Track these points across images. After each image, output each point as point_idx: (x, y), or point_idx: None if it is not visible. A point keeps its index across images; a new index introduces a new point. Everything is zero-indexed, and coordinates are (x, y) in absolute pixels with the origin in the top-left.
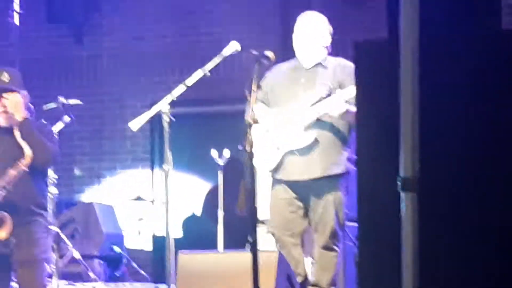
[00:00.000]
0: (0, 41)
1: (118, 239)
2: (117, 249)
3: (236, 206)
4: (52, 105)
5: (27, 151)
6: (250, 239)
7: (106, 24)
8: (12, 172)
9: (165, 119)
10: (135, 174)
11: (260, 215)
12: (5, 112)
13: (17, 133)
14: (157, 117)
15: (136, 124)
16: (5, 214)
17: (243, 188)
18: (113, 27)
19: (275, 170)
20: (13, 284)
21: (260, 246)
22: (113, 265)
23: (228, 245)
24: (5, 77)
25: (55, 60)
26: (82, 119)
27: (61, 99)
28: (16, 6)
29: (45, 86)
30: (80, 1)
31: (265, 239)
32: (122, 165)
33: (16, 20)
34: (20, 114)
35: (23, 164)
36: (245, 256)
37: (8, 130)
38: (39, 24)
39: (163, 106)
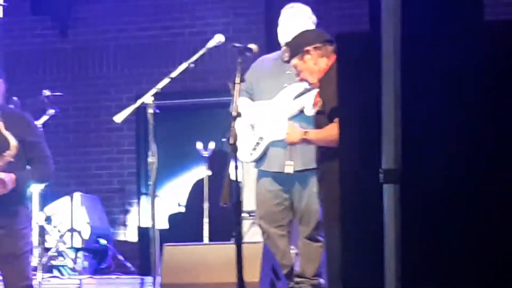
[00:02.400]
0: None
1: (104, 231)
2: (103, 241)
3: (220, 199)
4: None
5: (12, 141)
6: (234, 231)
7: (91, 16)
8: None
9: (150, 111)
10: (120, 166)
11: (247, 206)
12: None
13: (0, 124)
14: (142, 109)
15: (120, 117)
16: None
17: (227, 180)
18: (97, 20)
19: (259, 161)
20: None
21: (246, 237)
22: (99, 257)
23: (213, 237)
24: None
25: (39, 52)
26: (67, 112)
27: (46, 92)
28: None
29: (29, 79)
30: None
31: (251, 231)
32: (107, 157)
33: (0, 12)
34: None
35: (9, 155)
36: (230, 248)
37: None
38: (23, 16)
39: (147, 98)
